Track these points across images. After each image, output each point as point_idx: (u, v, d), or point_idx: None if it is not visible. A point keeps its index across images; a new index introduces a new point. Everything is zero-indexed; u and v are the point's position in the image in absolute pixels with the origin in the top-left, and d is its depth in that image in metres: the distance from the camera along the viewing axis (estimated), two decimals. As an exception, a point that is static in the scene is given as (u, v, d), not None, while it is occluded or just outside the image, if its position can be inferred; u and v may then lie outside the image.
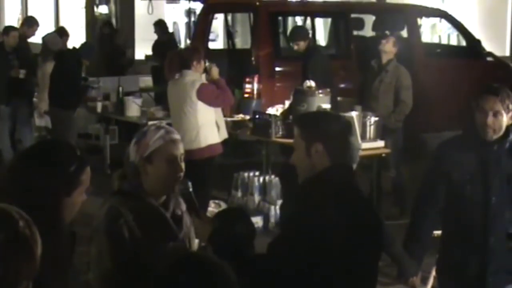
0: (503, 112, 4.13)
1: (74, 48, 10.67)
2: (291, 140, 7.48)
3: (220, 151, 7.50)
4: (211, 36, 14.20)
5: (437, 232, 4.63)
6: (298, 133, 3.24)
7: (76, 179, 2.68)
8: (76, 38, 13.96)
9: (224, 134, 7.64)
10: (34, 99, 11.10)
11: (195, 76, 7.30)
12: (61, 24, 17.20)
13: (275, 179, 8.33)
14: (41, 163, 2.65)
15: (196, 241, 3.39)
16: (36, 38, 11.90)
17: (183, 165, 3.27)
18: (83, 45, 10.48)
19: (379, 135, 8.04)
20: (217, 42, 16.53)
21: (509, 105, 4.15)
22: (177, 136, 3.29)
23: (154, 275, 2.03)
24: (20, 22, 13.42)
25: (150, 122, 8.69)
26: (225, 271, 2.04)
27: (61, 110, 9.88)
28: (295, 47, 9.32)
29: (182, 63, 7.34)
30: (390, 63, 8.56)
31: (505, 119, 4.16)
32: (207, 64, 7.53)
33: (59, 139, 2.99)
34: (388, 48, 8.57)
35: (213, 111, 7.41)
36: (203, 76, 7.47)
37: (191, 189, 3.34)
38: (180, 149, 3.27)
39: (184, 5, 18.21)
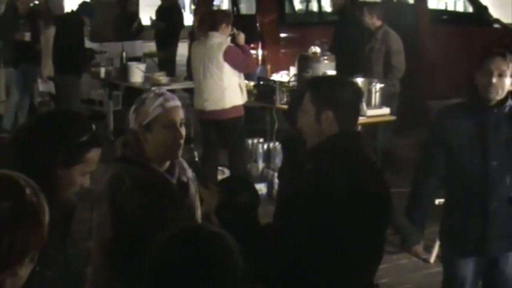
0: (508, 73, 4.07)
1: (72, 11, 10.53)
2: (295, 107, 7.31)
3: (243, 113, 7.65)
4: (216, 2, 14.12)
5: (440, 200, 4.61)
6: (309, 97, 3.15)
7: (80, 153, 2.57)
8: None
9: (245, 97, 7.69)
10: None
11: (222, 39, 7.43)
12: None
13: (279, 146, 8.29)
14: (49, 127, 2.57)
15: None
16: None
17: (183, 130, 3.19)
18: (82, 5, 10.21)
19: (384, 102, 7.98)
20: (221, 7, 16.41)
21: None
22: (177, 102, 3.22)
23: (151, 250, 1.97)
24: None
25: (153, 88, 8.67)
26: (225, 241, 1.98)
27: (67, 76, 9.77)
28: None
29: (211, 24, 7.36)
30: (379, 30, 8.48)
31: (508, 82, 4.10)
32: (234, 30, 7.67)
33: (79, 113, 2.85)
34: (371, 23, 8.53)
35: (237, 73, 7.54)
36: (229, 39, 7.56)
37: (197, 158, 3.29)
38: (180, 115, 3.20)
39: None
